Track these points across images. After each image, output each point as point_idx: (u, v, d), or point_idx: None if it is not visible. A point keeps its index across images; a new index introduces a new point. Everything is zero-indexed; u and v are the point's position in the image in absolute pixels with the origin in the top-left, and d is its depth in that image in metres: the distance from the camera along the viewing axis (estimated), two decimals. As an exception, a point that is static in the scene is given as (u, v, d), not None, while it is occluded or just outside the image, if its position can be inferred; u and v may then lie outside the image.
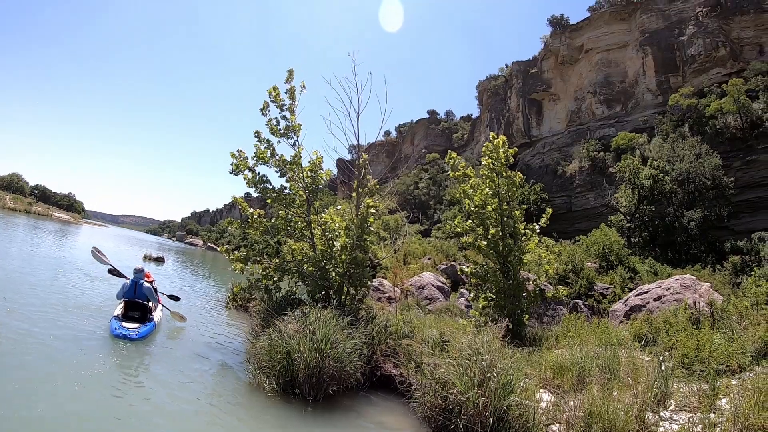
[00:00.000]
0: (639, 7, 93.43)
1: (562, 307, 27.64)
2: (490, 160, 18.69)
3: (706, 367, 12.70)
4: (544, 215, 19.61)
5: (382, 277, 32.85)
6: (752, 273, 32.39)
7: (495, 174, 18.54)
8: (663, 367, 10.98)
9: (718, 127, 66.78)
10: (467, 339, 11.88)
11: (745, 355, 13.74)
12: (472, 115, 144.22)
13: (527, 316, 18.63)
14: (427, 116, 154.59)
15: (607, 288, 32.85)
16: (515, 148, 20.72)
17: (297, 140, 17.20)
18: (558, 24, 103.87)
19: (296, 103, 17.23)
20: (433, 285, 29.73)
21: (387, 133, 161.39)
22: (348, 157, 20.37)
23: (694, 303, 19.98)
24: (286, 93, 17.16)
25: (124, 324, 15.23)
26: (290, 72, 17.21)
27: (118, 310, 16.41)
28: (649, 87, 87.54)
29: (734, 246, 51.47)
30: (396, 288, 28.48)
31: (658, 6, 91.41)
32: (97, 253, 21.48)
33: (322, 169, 17.35)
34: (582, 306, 28.40)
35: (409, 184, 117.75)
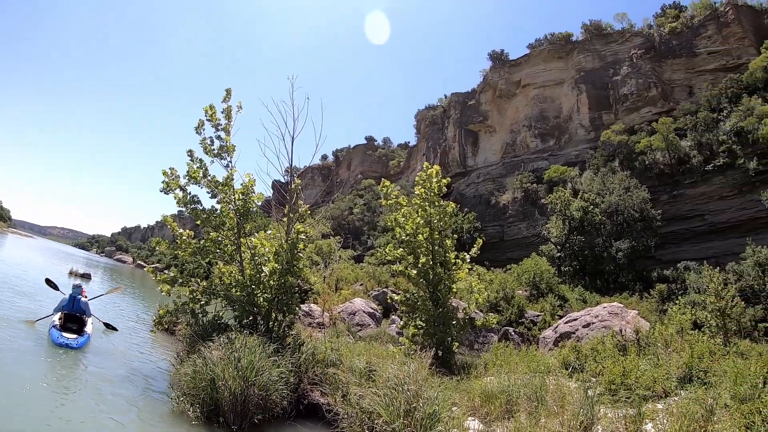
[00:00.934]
0: (576, 47, 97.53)
1: (493, 334, 27.75)
2: (422, 190, 18.74)
3: (631, 392, 12.79)
4: (475, 245, 19.77)
5: (314, 303, 32.54)
6: (677, 301, 33.34)
7: (427, 203, 18.58)
8: (590, 394, 11.07)
9: (647, 162, 70.06)
10: (393, 368, 11.75)
11: (670, 380, 14.03)
12: (409, 143, 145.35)
13: (457, 344, 18.64)
14: (365, 142, 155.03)
15: (538, 315, 33.26)
16: (448, 178, 20.84)
17: (230, 161, 16.90)
18: (498, 59, 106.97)
19: (232, 123, 16.97)
20: (364, 311, 29.54)
21: (324, 157, 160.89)
22: (283, 179, 20.15)
23: (621, 330, 20.39)
24: (222, 112, 16.91)
25: (65, 334, 16.25)
26: (228, 91, 16.94)
27: (57, 321, 17.22)
28: (583, 123, 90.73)
29: (661, 275, 53.65)
30: (327, 314, 28.24)
31: (595, 47, 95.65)
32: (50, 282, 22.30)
33: (254, 192, 17.10)
34: (512, 333, 28.59)
35: (343, 209, 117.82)
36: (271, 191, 39.21)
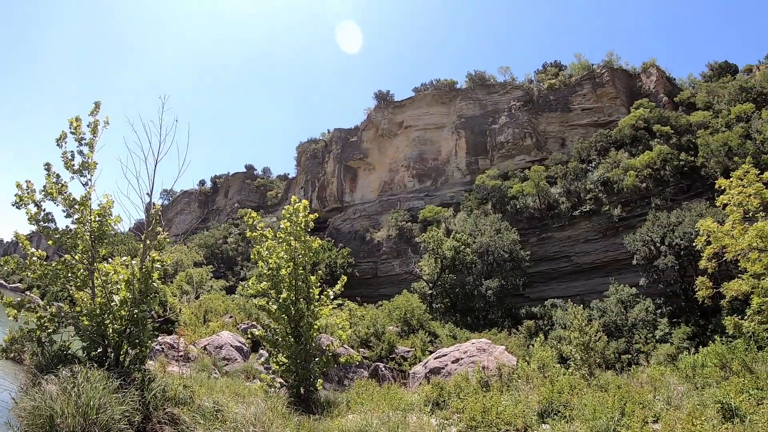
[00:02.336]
0: (460, 94, 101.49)
1: (363, 370, 27.28)
2: (289, 224, 18.21)
3: (491, 429, 12.69)
4: (339, 282, 19.34)
5: (181, 335, 31.07)
6: (538, 338, 34.30)
7: (293, 238, 18.06)
8: (450, 431, 10.82)
9: (518, 206, 73.67)
10: (242, 409, 11.19)
11: (531, 415, 14.00)
12: (288, 174, 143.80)
13: (321, 381, 18.06)
14: (245, 170, 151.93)
15: (408, 351, 33.05)
16: (316, 214, 20.32)
17: (90, 179, 15.78)
18: (383, 99, 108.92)
19: (97, 138, 15.88)
20: (231, 345, 28.35)
21: (202, 183, 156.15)
22: (142, 203, 18.98)
23: (484, 366, 20.45)
24: (88, 126, 15.79)
25: None
26: (96, 104, 15.80)
27: None
28: (460, 166, 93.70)
29: (529, 312, 56.13)
30: (193, 347, 26.98)
31: (477, 96, 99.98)
32: None
33: (112, 215, 16.03)
34: (383, 369, 28.17)
35: (218, 238, 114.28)
36: (144, 215, 37.35)
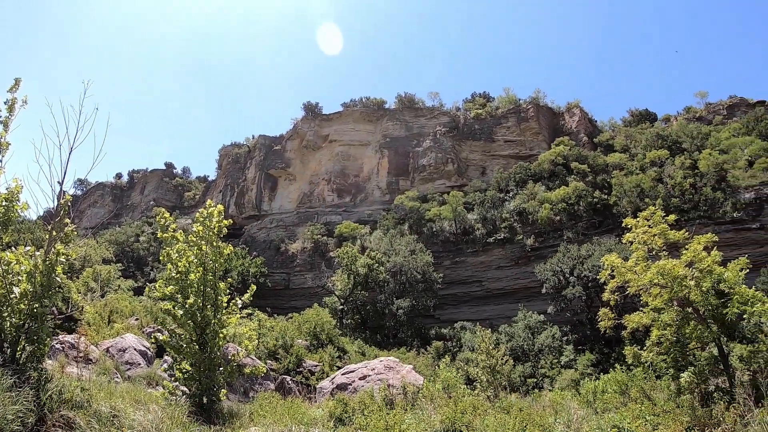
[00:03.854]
0: (387, 114, 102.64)
1: (270, 382, 26.67)
2: (201, 227, 17.55)
3: None
4: (249, 290, 18.79)
5: (83, 334, 29.65)
6: (444, 359, 34.56)
7: (204, 242, 17.43)
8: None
9: (434, 229, 74.75)
10: (139, 416, 10.64)
11: None
12: (208, 177, 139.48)
13: (225, 391, 17.41)
14: (164, 168, 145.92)
15: (316, 365, 32.57)
16: (230, 220, 19.78)
17: (1, 160, 14.80)
18: (311, 111, 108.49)
19: (13, 117, 14.91)
20: (136, 349, 27.13)
21: (118, 176, 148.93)
22: (52, 191, 17.95)
23: (389, 386, 20.28)
24: (5, 103, 14.81)
25: None
26: (17, 81, 14.91)
27: None
28: (380, 185, 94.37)
29: (439, 333, 57.13)
30: (96, 348, 25.76)
31: (405, 117, 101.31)
32: None
33: (20, 201, 15.03)
34: (290, 382, 27.55)
35: (130, 235, 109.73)
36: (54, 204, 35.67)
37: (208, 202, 18.39)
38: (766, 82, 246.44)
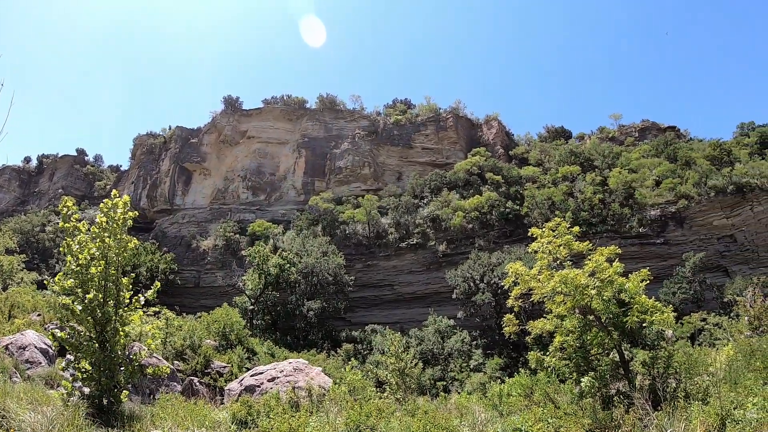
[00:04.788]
0: (308, 114, 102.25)
1: (176, 384, 25.79)
2: (105, 219, 16.66)
3: None
4: (153, 287, 18.04)
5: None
6: (350, 362, 34.57)
7: (107, 234, 16.58)
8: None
9: (347, 232, 75.15)
10: (29, 416, 10.08)
11: None
12: (121, 166, 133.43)
13: (126, 392, 16.64)
14: (75, 154, 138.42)
15: (225, 367, 31.87)
16: (136, 212, 18.91)
17: None
18: (231, 105, 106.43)
19: None
20: (37, 347, 25.79)
21: (27, 160, 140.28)
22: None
23: (296, 388, 20.11)
24: None
25: None
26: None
27: None
28: (296, 185, 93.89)
29: (350, 335, 57.75)
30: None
31: (325, 118, 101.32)
32: None
33: None
34: (197, 384, 26.74)
35: (36, 225, 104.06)
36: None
37: (114, 192, 17.64)
38: (676, 108, 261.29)
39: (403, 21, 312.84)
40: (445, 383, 43.29)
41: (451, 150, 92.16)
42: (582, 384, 17.93)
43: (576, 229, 20.54)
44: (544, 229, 20.31)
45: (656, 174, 74.75)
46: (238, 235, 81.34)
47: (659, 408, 14.09)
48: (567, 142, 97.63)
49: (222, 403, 21.71)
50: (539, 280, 18.98)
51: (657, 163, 78.08)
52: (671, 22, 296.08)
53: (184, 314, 54.56)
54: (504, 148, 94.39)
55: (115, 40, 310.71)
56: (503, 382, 29.76)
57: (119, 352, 15.85)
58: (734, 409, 12.88)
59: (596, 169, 78.45)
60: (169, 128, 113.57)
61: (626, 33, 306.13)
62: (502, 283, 24.03)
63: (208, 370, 30.86)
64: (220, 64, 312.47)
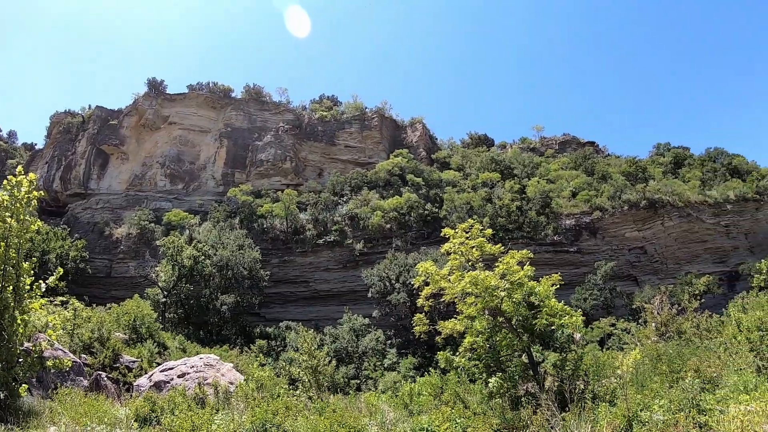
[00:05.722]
0: (233, 103, 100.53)
1: (83, 378, 24.94)
2: (8, 198, 15.87)
3: None
4: (54, 274, 17.40)
5: None
6: (258, 359, 34.58)
7: (9, 214, 15.82)
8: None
9: (265, 226, 74.85)
10: None
11: None
12: (36, 144, 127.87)
13: (26, 386, 15.92)
14: None
15: (134, 361, 30.90)
16: (42, 192, 18.19)
17: None
18: (155, 88, 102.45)
19: None
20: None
21: None
22: None
23: (203, 384, 20.05)
24: None
25: None
26: None
27: None
28: (215, 175, 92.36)
29: (264, 331, 56.94)
30: None
31: (249, 109, 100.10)
32: None
33: None
34: (105, 378, 25.87)
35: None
36: None
37: (19, 169, 17.00)
38: (597, 125, 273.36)
39: (333, 18, 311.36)
40: (359, 382, 43.93)
41: (374, 150, 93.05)
42: (490, 384, 18.15)
43: (488, 231, 21.07)
44: (457, 231, 20.53)
45: (573, 185, 77.99)
46: (153, 224, 78.70)
47: (567, 409, 14.48)
48: (489, 150, 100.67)
49: (120, 400, 21.22)
50: (450, 280, 19.22)
51: (575, 176, 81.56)
52: (600, 43, 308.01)
53: (94, 305, 52.61)
54: (427, 151, 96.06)
55: (35, 8, 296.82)
56: (416, 381, 30.18)
57: (17, 344, 15.22)
58: (640, 410, 13.32)
59: (516, 178, 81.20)
60: (89, 107, 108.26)
61: (554, 49, 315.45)
62: (412, 282, 24.27)
63: (117, 365, 29.83)
64: (148, 44, 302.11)
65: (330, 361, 32.34)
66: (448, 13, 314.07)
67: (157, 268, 59.69)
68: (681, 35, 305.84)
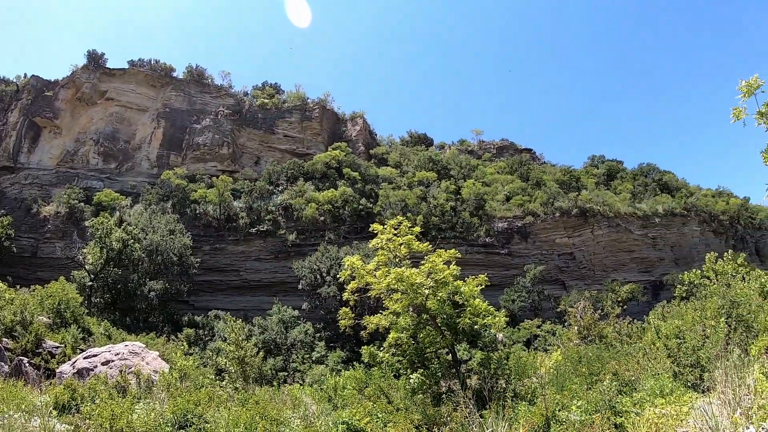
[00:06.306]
0: (173, 83, 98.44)
1: (4, 364, 24.56)
2: None
3: None
4: None
5: None
6: (181, 348, 34.60)
7: None
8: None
9: (198, 211, 73.93)
10: None
11: (165, 425, 14.05)
12: None
13: None
14: None
15: (58, 347, 30.18)
16: None
17: None
18: (95, 60, 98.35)
19: None
20: None
21: None
22: None
23: (125, 372, 20.08)
24: None
25: None
26: None
27: None
28: (150, 156, 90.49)
29: (192, 320, 56.41)
30: None
31: (190, 91, 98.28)
32: None
33: None
34: (27, 365, 25.41)
35: None
36: None
37: None
38: (535, 133, 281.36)
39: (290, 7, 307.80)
40: (286, 374, 44.09)
41: (313, 141, 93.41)
42: (412, 380, 18.41)
43: (417, 229, 21.16)
44: (386, 227, 20.69)
45: (508, 190, 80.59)
46: (83, 204, 75.90)
47: (488, 407, 14.66)
48: (427, 149, 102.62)
49: (38, 387, 20.83)
50: (376, 276, 19.40)
51: (510, 180, 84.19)
52: (544, 54, 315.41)
53: (18, 286, 51.34)
54: (366, 146, 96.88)
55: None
56: (341, 375, 30.41)
57: None
58: (559, 410, 13.56)
59: (452, 178, 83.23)
60: (24, 76, 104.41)
61: (500, 56, 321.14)
62: (338, 276, 24.40)
63: (40, 350, 29.10)
64: (91, 14, 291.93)
65: (258, 353, 32.41)
66: (396, 11, 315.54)
67: (84, 250, 56.94)
68: (622, 53, 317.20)
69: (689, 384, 14.39)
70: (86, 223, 65.41)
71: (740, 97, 11.23)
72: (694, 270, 33.17)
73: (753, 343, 14.22)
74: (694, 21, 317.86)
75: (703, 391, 13.50)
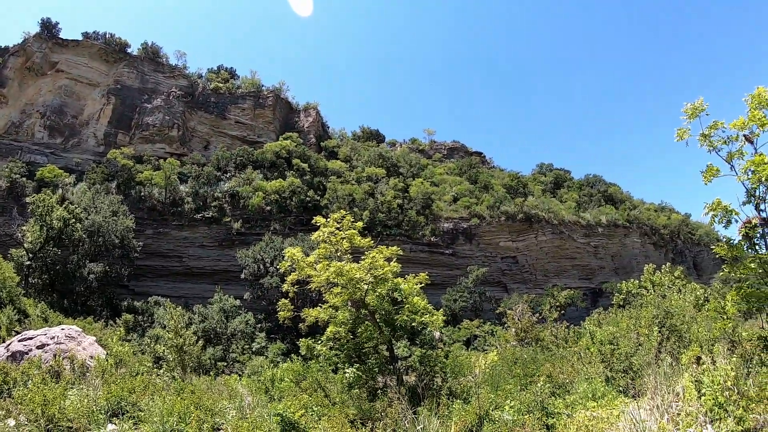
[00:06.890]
0: (127, 59, 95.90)
1: None
2: None
3: (52, 424, 12.88)
4: None
5: None
6: (117, 334, 34.38)
7: None
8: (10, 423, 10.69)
9: (143, 194, 72.69)
10: None
11: (99, 412, 14.21)
12: None
13: None
14: None
15: None
16: None
17: None
18: (48, 29, 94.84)
19: None
20: None
21: None
22: None
23: (59, 356, 19.93)
24: None
25: None
26: None
27: None
28: (97, 134, 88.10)
29: (131, 305, 55.26)
30: None
31: (143, 68, 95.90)
32: None
33: None
34: None
35: None
36: None
37: None
38: (486, 137, 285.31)
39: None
40: (226, 364, 43.87)
41: (265, 129, 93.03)
42: (347, 375, 18.52)
43: (359, 224, 21.45)
44: (329, 220, 20.84)
45: (456, 191, 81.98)
46: (24, 179, 72.61)
47: (423, 404, 15.07)
48: (378, 146, 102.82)
49: None
50: (316, 269, 19.48)
51: (458, 182, 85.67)
52: (499, 62, 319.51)
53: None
54: (317, 138, 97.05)
55: None
56: (279, 366, 30.42)
57: None
58: (492, 409, 13.94)
59: (401, 176, 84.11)
60: None
61: (457, 59, 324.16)
62: (278, 267, 24.40)
63: None
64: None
65: (197, 341, 31.95)
66: (355, 8, 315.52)
67: (24, 228, 55.61)
68: (577, 68, 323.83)
69: (621, 389, 14.96)
70: (27, 200, 62.95)
71: (684, 119, 12.20)
72: (632, 280, 34.36)
73: (684, 352, 14.86)
74: (646, 38, 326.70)
75: (634, 397, 14.04)
